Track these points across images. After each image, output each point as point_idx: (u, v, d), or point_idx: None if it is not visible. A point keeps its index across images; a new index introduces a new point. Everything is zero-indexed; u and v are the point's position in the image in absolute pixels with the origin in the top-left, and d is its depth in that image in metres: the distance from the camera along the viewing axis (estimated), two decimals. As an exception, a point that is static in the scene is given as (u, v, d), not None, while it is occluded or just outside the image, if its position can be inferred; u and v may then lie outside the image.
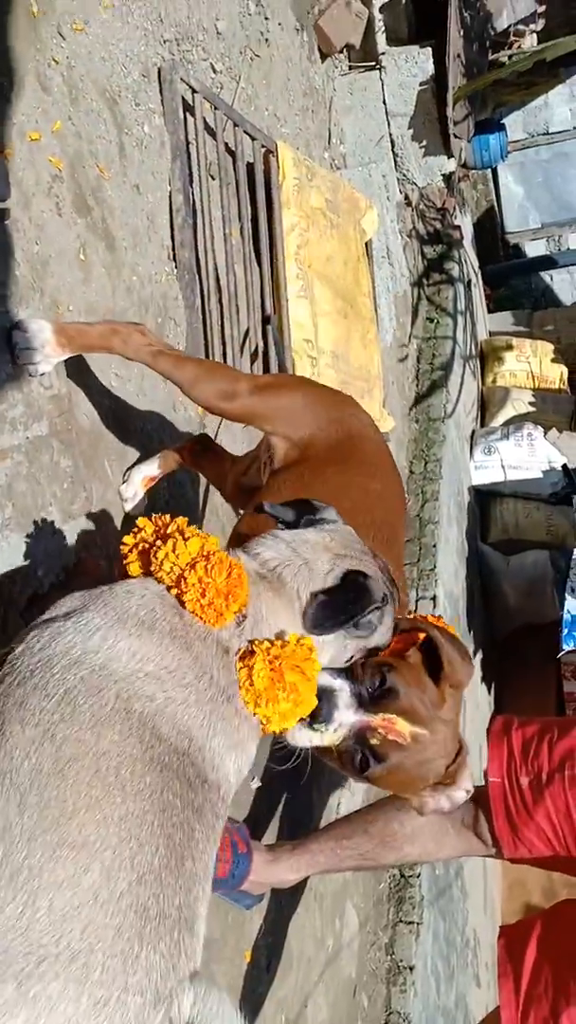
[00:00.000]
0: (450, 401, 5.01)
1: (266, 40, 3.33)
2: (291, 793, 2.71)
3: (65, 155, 1.93)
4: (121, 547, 1.16)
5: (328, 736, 1.23)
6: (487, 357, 6.31)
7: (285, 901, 2.55)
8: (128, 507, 2.06)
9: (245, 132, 2.94)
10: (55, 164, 1.87)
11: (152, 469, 2.08)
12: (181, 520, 1.16)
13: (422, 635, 1.33)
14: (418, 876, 3.47)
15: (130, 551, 1.15)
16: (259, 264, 3.08)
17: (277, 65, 3.45)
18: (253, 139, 3.01)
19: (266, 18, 3.32)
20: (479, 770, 1.83)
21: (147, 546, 1.13)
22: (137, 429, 2.18)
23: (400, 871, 3.46)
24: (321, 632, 1.15)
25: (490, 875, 4.74)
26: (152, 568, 1.12)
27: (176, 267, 2.49)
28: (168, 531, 1.14)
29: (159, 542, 1.12)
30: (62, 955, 0.84)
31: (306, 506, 1.29)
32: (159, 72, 2.45)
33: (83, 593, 1.12)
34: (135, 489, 2.07)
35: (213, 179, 2.77)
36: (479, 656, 4.98)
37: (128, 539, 1.16)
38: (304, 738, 1.23)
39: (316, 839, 1.99)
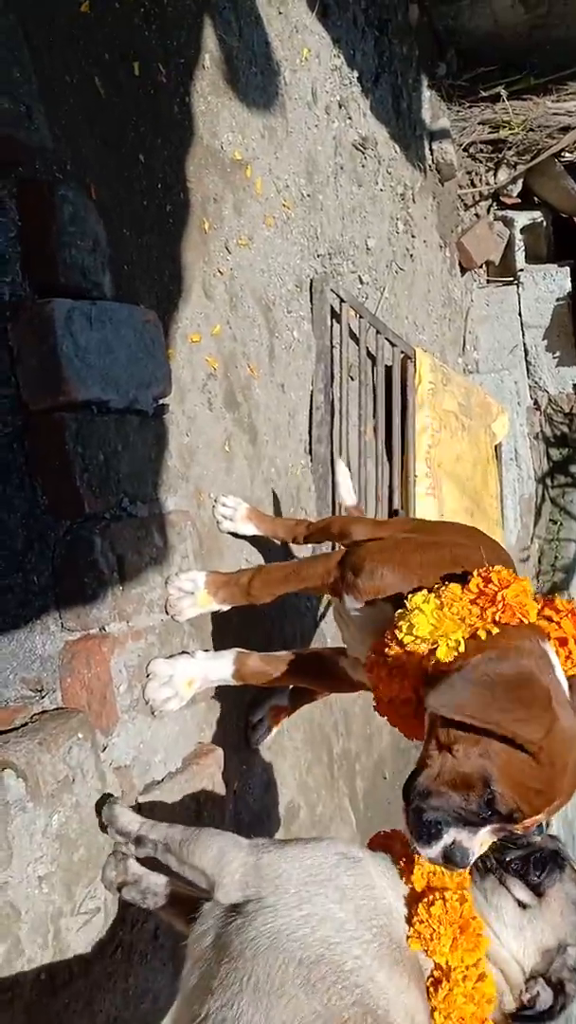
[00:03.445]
0: (574, 606, 4.77)
1: (411, 256, 3.53)
2: None
3: (220, 355, 2.01)
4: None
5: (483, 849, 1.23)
6: (613, 562, 6.07)
7: None
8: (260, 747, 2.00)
9: (386, 339, 3.05)
10: (211, 363, 1.96)
11: (282, 700, 2.01)
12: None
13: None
14: None
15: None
16: (390, 461, 3.10)
17: (419, 278, 3.64)
18: (393, 345, 3.12)
19: (413, 236, 3.54)
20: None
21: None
22: (263, 615, 2.12)
23: None
24: None
25: None
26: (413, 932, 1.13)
27: (311, 460, 2.52)
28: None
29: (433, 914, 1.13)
30: None
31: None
32: (311, 283, 2.60)
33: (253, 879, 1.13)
34: (266, 728, 2.00)
35: (352, 380, 2.86)
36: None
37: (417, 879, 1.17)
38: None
39: None
